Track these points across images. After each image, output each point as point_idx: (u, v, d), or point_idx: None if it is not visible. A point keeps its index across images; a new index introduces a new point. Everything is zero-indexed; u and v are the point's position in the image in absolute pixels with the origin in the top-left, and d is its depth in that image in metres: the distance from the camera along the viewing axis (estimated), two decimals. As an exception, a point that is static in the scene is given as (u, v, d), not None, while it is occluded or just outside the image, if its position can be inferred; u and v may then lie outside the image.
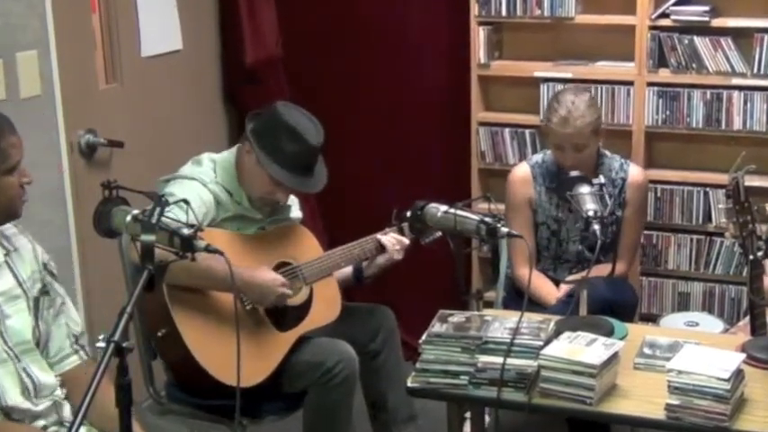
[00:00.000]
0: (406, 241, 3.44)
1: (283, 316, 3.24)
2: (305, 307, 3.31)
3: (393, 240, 3.43)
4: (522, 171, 3.80)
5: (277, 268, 3.25)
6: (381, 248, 3.43)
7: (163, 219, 2.34)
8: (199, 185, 3.20)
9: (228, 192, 3.26)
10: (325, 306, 3.35)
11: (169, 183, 3.25)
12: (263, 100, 3.34)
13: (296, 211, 3.51)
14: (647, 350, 2.99)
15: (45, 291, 2.65)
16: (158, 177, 3.31)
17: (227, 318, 3.08)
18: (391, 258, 3.43)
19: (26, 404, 2.54)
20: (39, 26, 3.49)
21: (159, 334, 3.06)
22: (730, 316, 4.23)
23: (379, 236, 3.44)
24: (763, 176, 3.95)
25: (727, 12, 4.19)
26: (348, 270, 3.50)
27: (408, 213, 3.13)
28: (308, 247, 3.40)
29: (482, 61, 4.44)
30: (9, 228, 2.62)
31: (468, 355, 2.82)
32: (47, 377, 2.61)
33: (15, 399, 2.53)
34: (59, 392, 2.63)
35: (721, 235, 3.98)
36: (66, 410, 2.63)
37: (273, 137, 3.20)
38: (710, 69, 4.15)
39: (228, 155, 3.34)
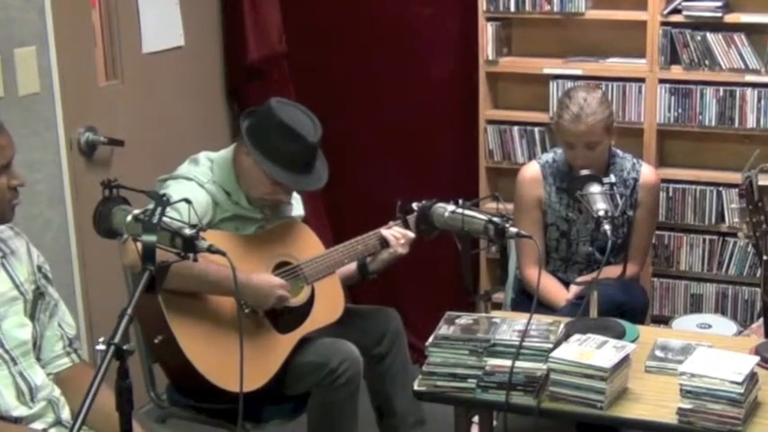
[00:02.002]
0: (411, 235, 3.38)
1: (284, 317, 3.19)
2: (306, 307, 3.26)
3: (397, 235, 3.37)
4: (531, 170, 3.76)
5: (277, 268, 3.20)
6: (385, 243, 3.37)
7: (164, 219, 2.29)
8: (196, 186, 3.15)
9: (226, 192, 3.20)
10: (328, 306, 3.30)
11: (166, 182, 3.19)
12: (267, 97, 3.29)
13: (298, 210, 3.45)
14: (658, 353, 2.97)
15: (40, 293, 2.63)
16: (160, 176, 3.26)
17: (224, 322, 3.05)
18: (395, 253, 3.37)
19: (21, 409, 2.51)
20: (37, 21, 3.47)
21: (156, 341, 3.01)
22: (744, 318, 4.20)
23: (382, 231, 3.38)
24: (777, 175, 3.90)
25: (740, 7, 4.14)
26: (352, 266, 3.44)
27: (414, 206, 3.09)
28: (309, 245, 3.34)
29: (490, 58, 4.39)
30: (4, 230, 2.59)
31: (476, 357, 2.79)
32: (43, 379, 2.59)
33: (10, 404, 2.49)
34: (56, 392, 2.61)
35: (734, 235, 3.96)
36: (66, 411, 2.61)
37: (270, 136, 3.14)
38: (723, 66, 4.10)
39: (226, 153, 3.28)
